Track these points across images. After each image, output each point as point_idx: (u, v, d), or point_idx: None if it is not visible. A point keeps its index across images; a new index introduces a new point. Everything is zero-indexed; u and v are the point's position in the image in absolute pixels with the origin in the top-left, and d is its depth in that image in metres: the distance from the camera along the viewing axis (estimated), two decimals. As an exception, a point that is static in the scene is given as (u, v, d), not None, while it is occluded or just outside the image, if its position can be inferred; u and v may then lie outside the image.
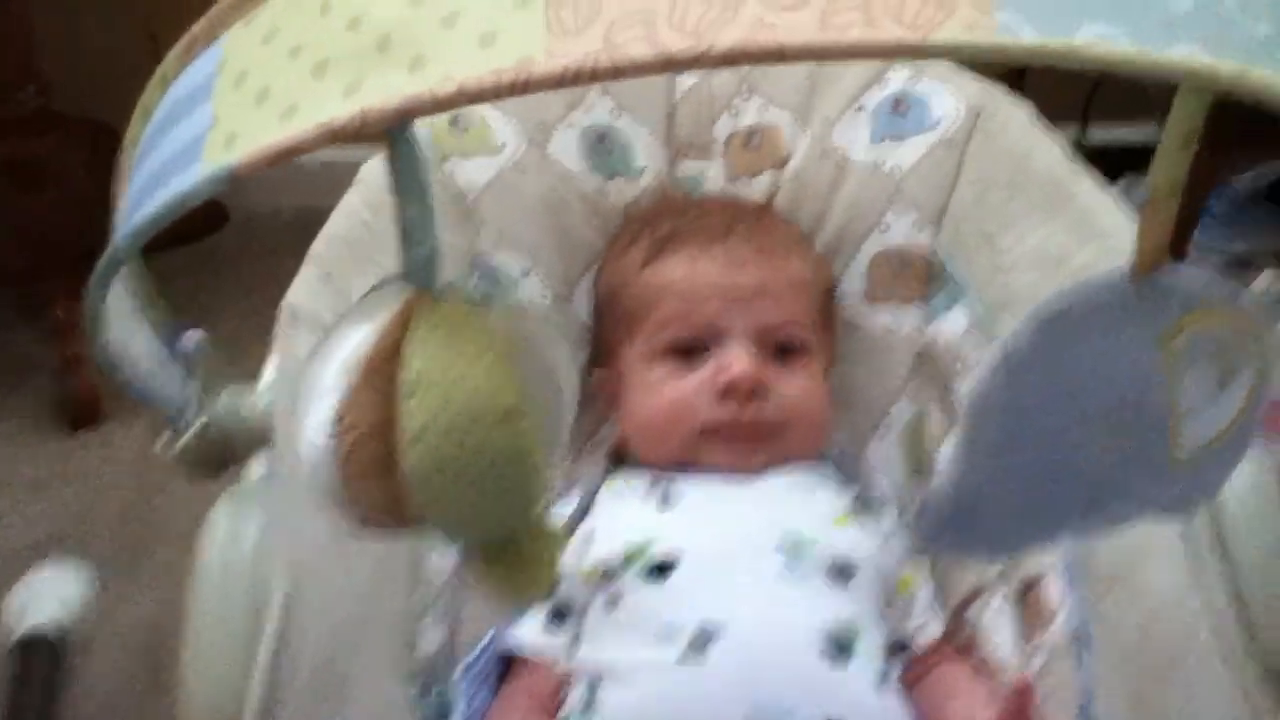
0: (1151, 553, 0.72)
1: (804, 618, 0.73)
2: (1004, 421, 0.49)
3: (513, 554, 0.51)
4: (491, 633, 0.81)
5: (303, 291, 0.81)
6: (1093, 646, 0.73)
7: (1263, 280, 0.75)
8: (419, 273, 0.45)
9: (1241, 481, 0.70)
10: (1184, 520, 0.64)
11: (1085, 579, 0.75)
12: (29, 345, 1.62)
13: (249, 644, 0.66)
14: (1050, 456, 0.48)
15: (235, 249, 1.78)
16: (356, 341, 0.44)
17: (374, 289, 0.46)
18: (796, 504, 0.80)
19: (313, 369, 0.45)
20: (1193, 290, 0.46)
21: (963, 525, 0.52)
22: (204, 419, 0.70)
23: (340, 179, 0.87)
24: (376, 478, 0.45)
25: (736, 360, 0.81)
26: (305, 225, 0.84)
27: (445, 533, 0.51)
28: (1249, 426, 0.48)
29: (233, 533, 0.73)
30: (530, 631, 0.79)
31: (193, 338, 0.66)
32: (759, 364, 0.81)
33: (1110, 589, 0.74)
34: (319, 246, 0.84)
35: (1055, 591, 0.76)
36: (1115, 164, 0.99)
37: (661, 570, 0.75)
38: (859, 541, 0.79)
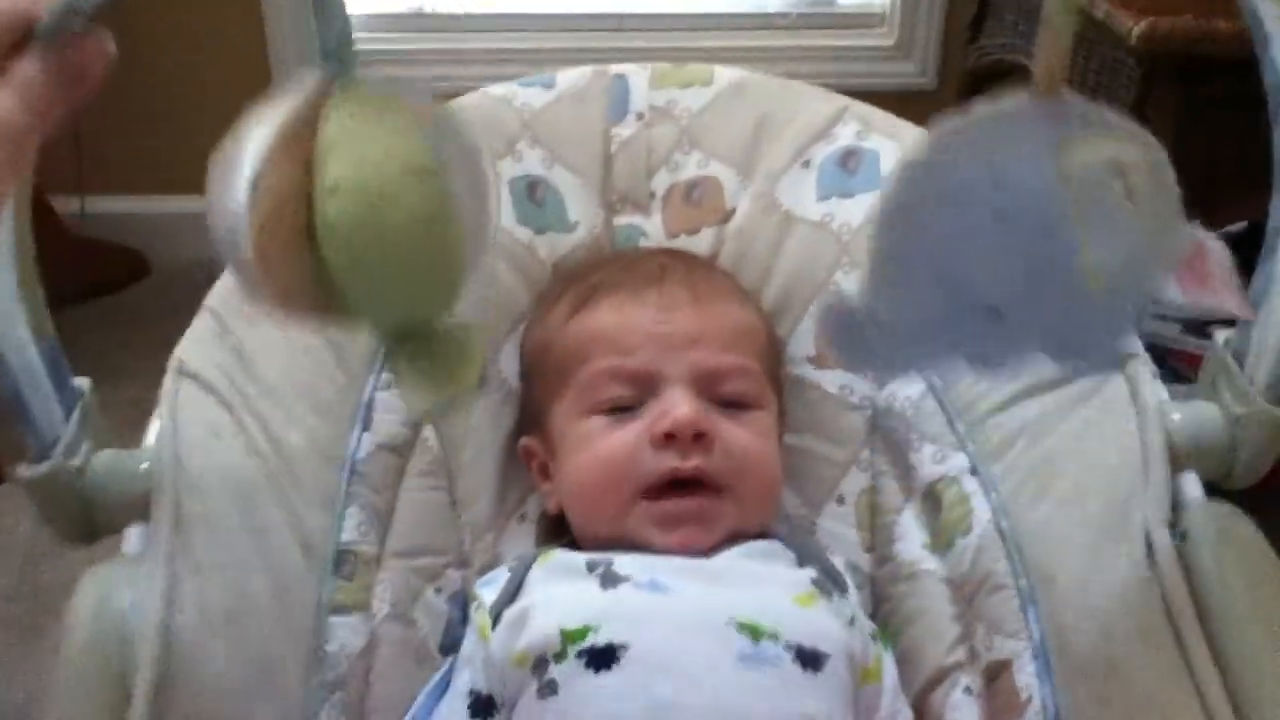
0: (1132, 636, 0.66)
1: (768, 709, 0.66)
2: (905, 233, 0.48)
3: (437, 345, 0.50)
4: None
5: (194, 346, 0.75)
6: None
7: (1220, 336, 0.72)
8: (334, 53, 0.45)
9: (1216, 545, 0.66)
10: (1091, 371, 0.65)
11: (1057, 665, 0.69)
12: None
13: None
14: (951, 269, 0.47)
15: (155, 302, 1.70)
16: (275, 115, 0.44)
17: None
18: (754, 580, 0.73)
19: (230, 145, 0.44)
20: (1091, 115, 0.45)
21: (867, 337, 0.51)
22: (75, 463, 0.64)
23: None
24: (295, 248, 0.44)
25: (678, 403, 0.74)
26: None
27: (365, 314, 0.48)
28: (1156, 262, 0.47)
29: (98, 611, 0.64)
30: None
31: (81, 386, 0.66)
32: (701, 410, 0.74)
33: (1086, 681, 0.67)
34: (214, 299, 0.77)
35: (1025, 678, 0.70)
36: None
37: (605, 656, 0.66)
38: (826, 623, 0.71)
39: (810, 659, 0.68)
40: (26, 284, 0.60)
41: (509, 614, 0.70)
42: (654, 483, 0.74)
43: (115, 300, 1.62)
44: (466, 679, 0.71)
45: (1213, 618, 0.65)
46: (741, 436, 0.76)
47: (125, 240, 1.87)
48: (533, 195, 0.89)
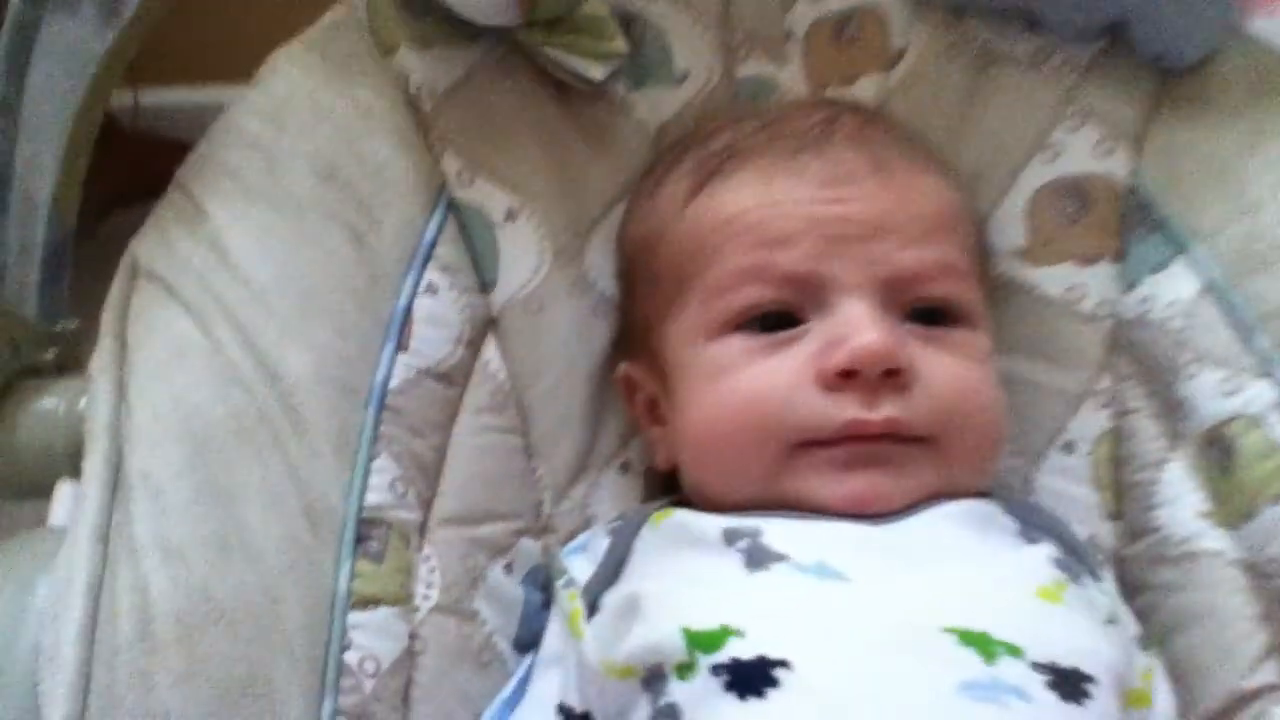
0: None
1: None
2: None
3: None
4: None
5: (155, 235, 0.58)
6: None
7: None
8: None
9: None
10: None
11: None
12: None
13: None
14: None
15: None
16: None
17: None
18: (970, 561, 0.52)
19: None
20: None
21: None
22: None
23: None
24: None
25: (859, 325, 0.54)
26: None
27: None
28: None
29: (7, 609, 0.45)
30: None
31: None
32: (895, 333, 0.54)
33: None
34: (188, 171, 0.62)
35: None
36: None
37: (756, 677, 0.46)
38: (1084, 628, 0.50)
39: (1071, 684, 0.47)
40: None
41: (610, 600, 0.54)
42: (823, 439, 0.54)
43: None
44: (554, 685, 0.54)
45: None
46: (951, 370, 0.56)
47: (186, 135, 1.78)
48: (627, 34, 0.68)
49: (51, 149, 0.56)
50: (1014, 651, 0.46)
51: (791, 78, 0.70)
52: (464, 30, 0.64)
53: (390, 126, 0.63)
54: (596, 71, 0.65)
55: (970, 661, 0.46)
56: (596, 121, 0.68)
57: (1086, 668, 0.47)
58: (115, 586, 0.45)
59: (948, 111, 0.68)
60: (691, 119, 0.69)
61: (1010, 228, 0.66)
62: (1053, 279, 0.65)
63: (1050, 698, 0.46)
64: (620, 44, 0.64)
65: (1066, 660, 0.47)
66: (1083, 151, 0.65)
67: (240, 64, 0.63)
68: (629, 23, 0.68)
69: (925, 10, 0.69)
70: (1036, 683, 0.46)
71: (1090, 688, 0.47)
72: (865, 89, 0.69)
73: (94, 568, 0.45)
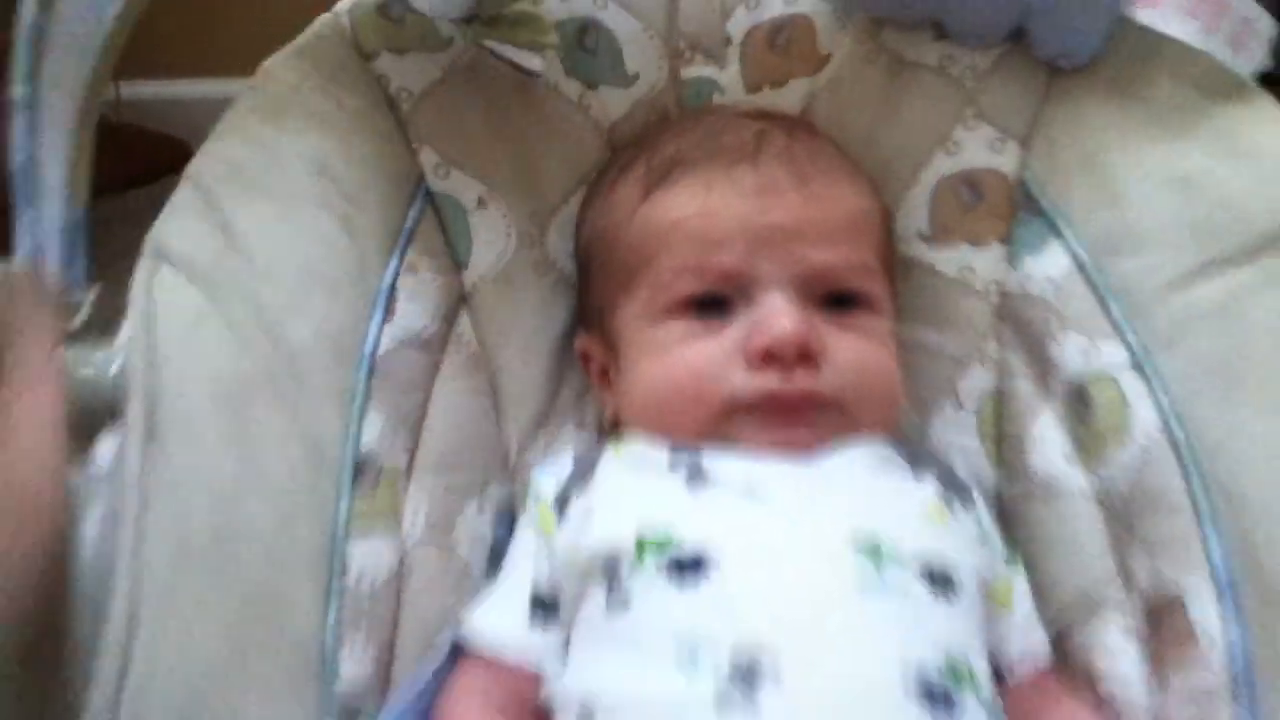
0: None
1: (896, 647, 0.53)
2: None
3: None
4: (448, 640, 0.61)
5: (172, 222, 0.63)
6: (1258, 694, 0.54)
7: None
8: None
9: None
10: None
11: (1247, 600, 0.56)
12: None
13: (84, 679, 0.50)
14: None
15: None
16: None
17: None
18: (871, 490, 0.61)
19: None
20: None
21: None
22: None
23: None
24: None
25: (778, 315, 0.61)
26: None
27: None
28: None
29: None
30: (506, 624, 0.60)
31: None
32: (808, 320, 0.61)
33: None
34: (197, 167, 0.65)
35: (1204, 616, 0.56)
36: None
37: (691, 568, 0.55)
38: (957, 541, 0.59)
39: (942, 584, 0.56)
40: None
41: (576, 505, 0.61)
42: (748, 406, 0.62)
43: (155, 191, 1.51)
44: (526, 574, 0.62)
45: None
46: (855, 348, 0.63)
47: (165, 127, 1.77)
48: (583, 41, 0.74)
49: (63, 135, 0.58)
50: (899, 560, 0.56)
51: (731, 79, 0.75)
52: (436, 37, 0.70)
53: (373, 126, 0.69)
54: (535, 62, 0.70)
55: (864, 566, 0.55)
56: (556, 119, 0.74)
57: (957, 574, 0.57)
58: (155, 514, 0.52)
59: (865, 111, 0.73)
60: (641, 117, 0.75)
61: (915, 213, 0.73)
62: (949, 259, 0.72)
63: (926, 595, 0.55)
64: (552, 37, 0.69)
65: (940, 567, 0.56)
66: (979, 148, 0.71)
67: (217, 59, 0.64)
68: (585, 30, 0.73)
69: (848, 21, 0.74)
70: (915, 583, 0.55)
71: (958, 589, 0.56)
72: (795, 90, 0.75)
73: (138, 501, 0.52)
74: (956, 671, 0.53)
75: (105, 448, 0.56)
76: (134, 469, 0.53)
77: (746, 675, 0.51)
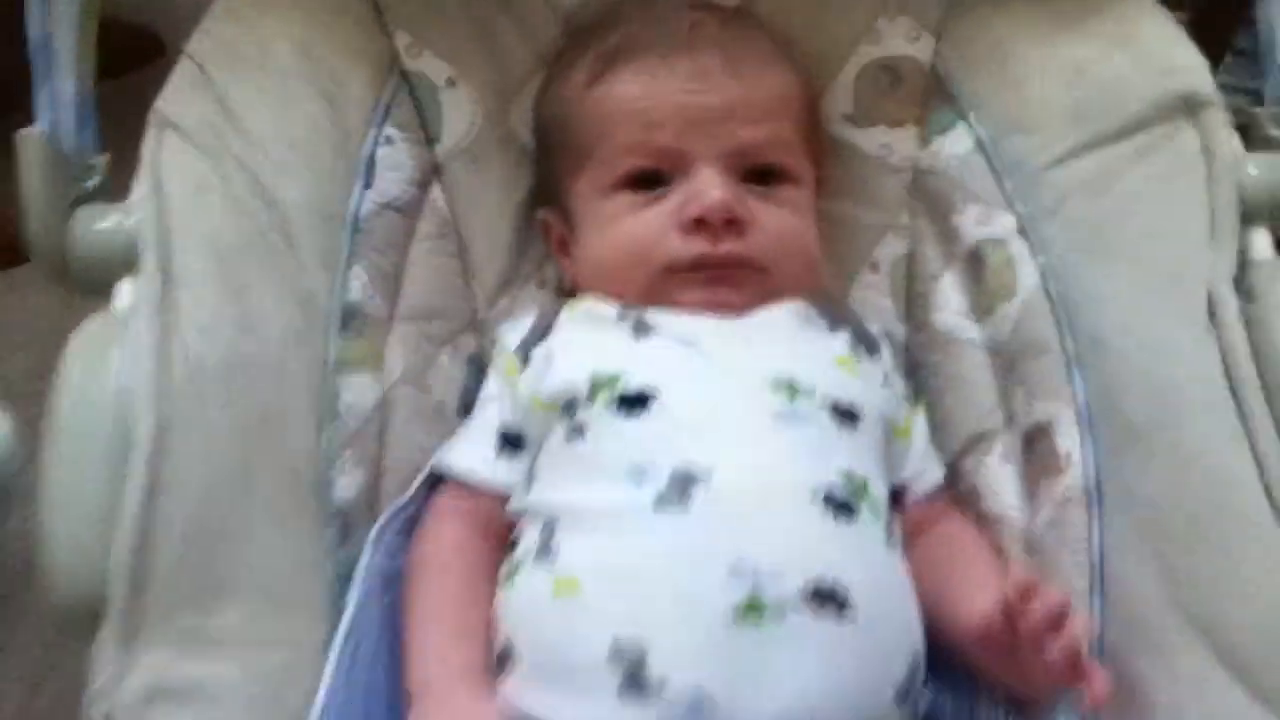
0: (1185, 408, 0.62)
1: (805, 465, 0.63)
2: None
3: None
4: (428, 470, 0.70)
5: (174, 95, 0.69)
6: (1106, 503, 0.64)
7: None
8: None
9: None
10: None
11: (1102, 427, 0.66)
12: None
13: (113, 493, 0.58)
14: None
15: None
16: None
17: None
18: (790, 341, 0.70)
19: None
20: None
21: None
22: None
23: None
24: None
25: (707, 188, 0.69)
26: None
27: None
28: None
29: (91, 366, 0.61)
30: (478, 455, 0.69)
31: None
32: (734, 193, 0.70)
33: (1134, 444, 0.64)
34: (195, 46, 0.71)
35: (1068, 440, 0.67)
36: None
37: (636, 403, 0.64)
38: (862, 384, 0.69)
39: (846, 416, 0.66)
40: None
41: (537, 353, 0.70)
42: (682, 267, 0.70)
43: (125, 82, 1.52)
44: (494, 413, 0.70)
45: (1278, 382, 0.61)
46: (776, 216, 0.72)
47: (136, 18, 1.77)
48: None
49: (72, 15, 0.65)
50: (809, 396, 0.65)
51: (676, -28, 0.80)
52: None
53: (352, 10, 0.76)
54: None
55: (780, 400, 0.64)
56: (518, 4, 0.80)
57: (860, 410, 0.66)
58: (170, 346, 0.60)
59: (800, 6, 0.80)
60: (595, 2, 0.80)
61: (841, 97, 0.80)
62: (869, 138, 0.80)
63: (832, 425, 0.65)
64: None
65: (846, 403, 0.66)
66: (898, 37, 0.79)
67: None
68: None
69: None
70: (823, 414, 0.65)
71: (860, 422, 0.66)
72: (739, -14, 0.80)
73: (157, 331, 0.60)
74: (854, 486, 0.63)
75: (124, 292, 0.64)
76: (152, 305, 0.61)
77: (681, 484, 0.61)
